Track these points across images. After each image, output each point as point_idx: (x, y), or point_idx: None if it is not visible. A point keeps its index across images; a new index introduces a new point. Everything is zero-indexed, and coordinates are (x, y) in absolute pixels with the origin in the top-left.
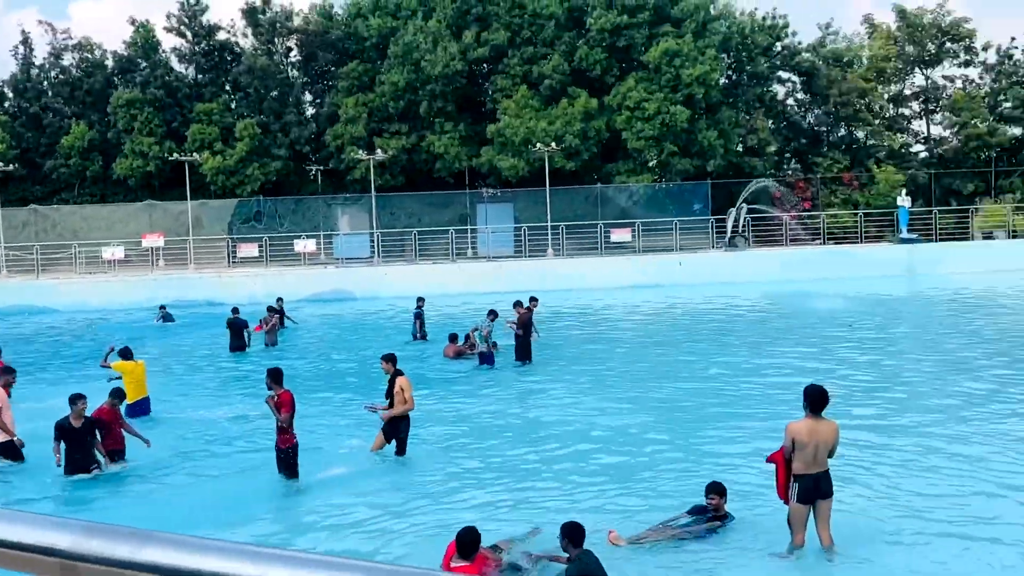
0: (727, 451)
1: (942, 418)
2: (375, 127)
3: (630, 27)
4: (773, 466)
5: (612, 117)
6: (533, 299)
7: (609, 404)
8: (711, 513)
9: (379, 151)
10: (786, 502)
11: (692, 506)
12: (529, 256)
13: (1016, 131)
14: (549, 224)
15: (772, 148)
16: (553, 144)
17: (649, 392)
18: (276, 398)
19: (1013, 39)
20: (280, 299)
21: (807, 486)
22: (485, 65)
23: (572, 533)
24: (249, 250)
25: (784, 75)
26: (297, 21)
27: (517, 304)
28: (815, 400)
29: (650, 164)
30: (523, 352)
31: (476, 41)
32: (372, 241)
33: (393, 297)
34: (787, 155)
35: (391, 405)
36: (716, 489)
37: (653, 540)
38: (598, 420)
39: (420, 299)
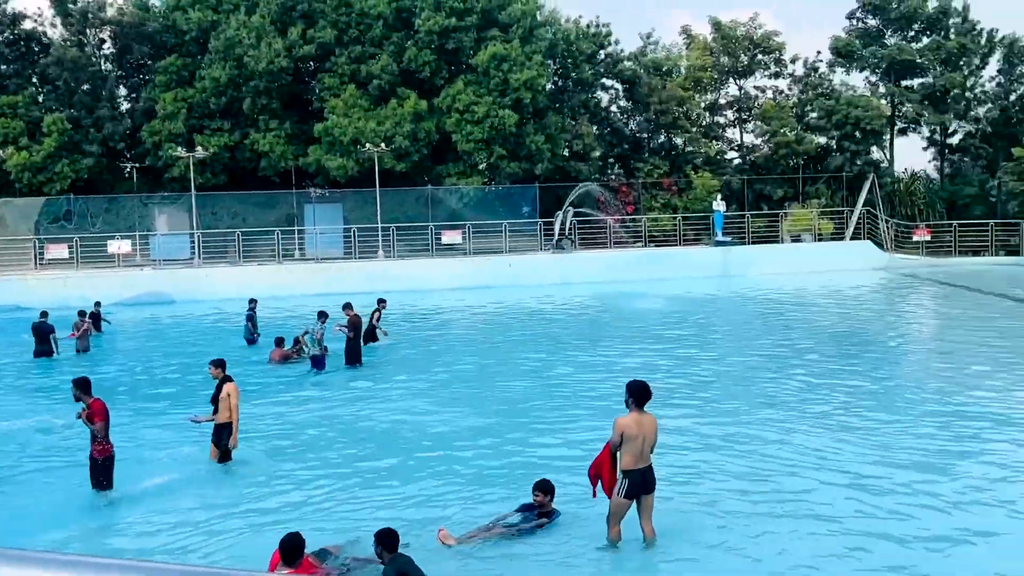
0: (557, 449)
1: (757, 409)
2: (195, 124)
3: (458, 30)
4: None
5: (442, 119)
6: (381, 300)
7: (441, 405)
8: (538, 510)
9: (199, 149)
10: (610, 497)
11: (521, 504)
12: (359, 257)
13: (821, 140)
14: (379, 225)
15: (597, 153)
16: (383, 145)
17: (481, 392)
18: (87, 408)
19: (819, 53)
20: (98, 303)
21: (635, 481)
22: (312, 63)
23: (385, 539)
24: (58, 251)
25: (608, 82)
26: (111, 12)
27: (347, 306)
28: (639, 394)
29: (480, 167)
30: (353, 356)
31: (302, 38)
32: (192, 242)
33: (216, 300)
34: (611, 160)
35: (215, 412)
36: (542, 487)
37: (482, 538)
38: (430, 422)
39: (252, 301)
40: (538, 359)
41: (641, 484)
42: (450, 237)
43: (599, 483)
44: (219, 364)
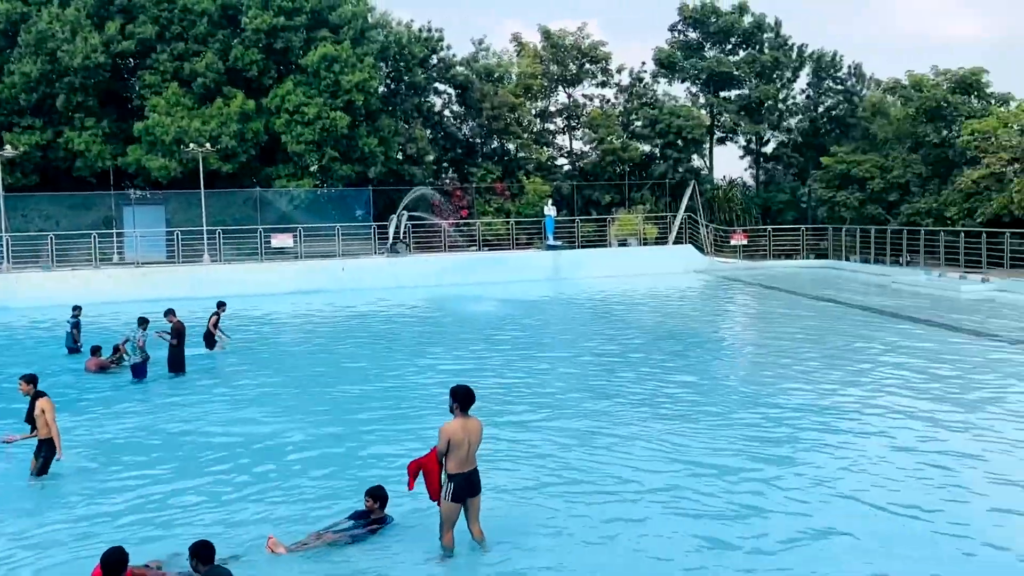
0: (390, 454)
1: (589, 406)
2: (3, 121)
3: (287, 29)
4: (419, 470)
5: (271, 120)
6: (221, 304)
7: (270, 412)
8: (370, 516)
9: (8, 147)
10: (439, 503)
11: (353, 511)
12: (183, 261)
13: (646, 148)
14: (205, 228)
15: (430, 157)
16: (208, 145)
17: (314, 399)
18: None
19: (643, 63)
20: None
21: (461, 484)
22: (131, 59)
23: (200, 552)
24: None
25: (441, 87)
26: None
27: (169, 312)
28: (464, 399)
29: (311, 169)
30: (177, 364)
31: (121, 33)
32: (1, 246)
33: (27, 308)
34: (445, 164)
35: (34, 429)
36: (373, 493)
37: (314, 546)
38: (258, 429)
39: (76, 307)
40: (372, 363)
41: (467, 487)
42: (280, 240)
43: (418, 479)
44: (30, 379)
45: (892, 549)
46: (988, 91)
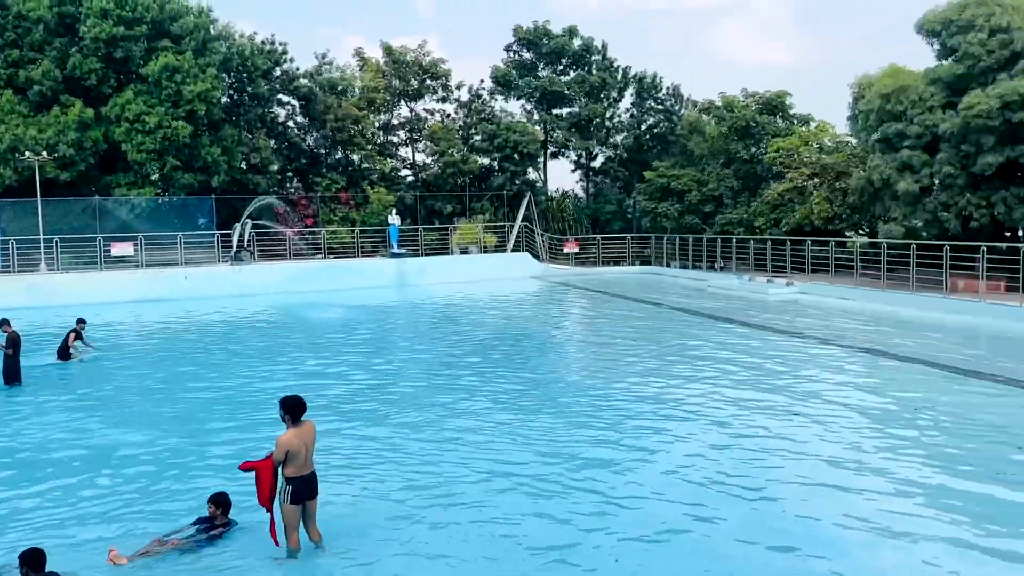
0: (234, 460)
1: (433, 408)
2: None
3: (127, 39)
4: (253, 472)
5: (110, 128)
6: (80, 320)
7: (111, 422)
8: (214, 522)
9: None
10: (268, 510)
11: (197, 518)
12: (18, 271)
13: (485, 161)
14: (42, 237)
15: (275, 167)
16: (44, 153)
17: (156, 407)
18: None
19: (481, 81)
20: None
21: (300, 487)
22: None
23: (31, 560)
24: None
25: (285, 98)
26: None
27: (3, 323)
28: (294, 409)
29: (152, 177)
30: (12, 374)
31: None
32: None
33: None
34: (289, 174)
35: None
36: (216, 500)
37: (156, 553)
38: (98, 439)
39: None
40: (215, 371)
41: (306, 490)
42: (120, 249)
43: (252, 473)
44: None
45: (718, 526)
46: (791, 112)
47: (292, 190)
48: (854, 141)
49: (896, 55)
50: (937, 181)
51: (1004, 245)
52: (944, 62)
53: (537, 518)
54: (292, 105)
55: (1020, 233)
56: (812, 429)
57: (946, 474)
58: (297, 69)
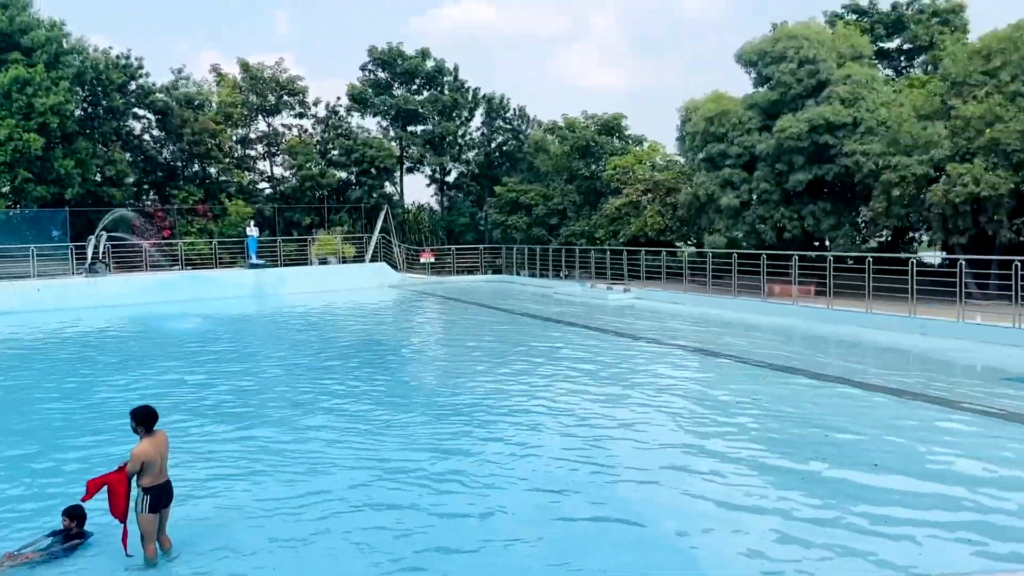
0: (88, 472)
1: (288, 415)
2: None
3: None
4: (103, 486)
5: None
6: None
7: None
8: (69, 533)
9: None
10: (122, 521)
11: (51, 530)
12: None
13: (343, 174)
14: None
15: (131, 179)
16: None
17: (7, 420)
18: None
19: (338, 98)
20: None
21: (157, 496)
22: None
23: None
24: None
25: (141, 112)
26: None
27: None
28: (146, 419)
29: (3, 190)
30: None
31: None
32: None
33: None
34: (146, 186)
35: None
36: (69, 512)
37: (9, 566)
38: None
39: None
40: (69, 382)
41: (163, 498)
42: None
43: (98, 492)
44: None
45: (571, 503)
46: (627, 133)
47: (149, 202)
48: (682, 160)
49: (719, 82)
50: (755, 196)
51: (813, 254)
52: (760, 89)
53: (402, 511)
54: (148, 119)
55: (827, 243)
56: (654, 419)
57: (772, 455)
58: (153, 83)
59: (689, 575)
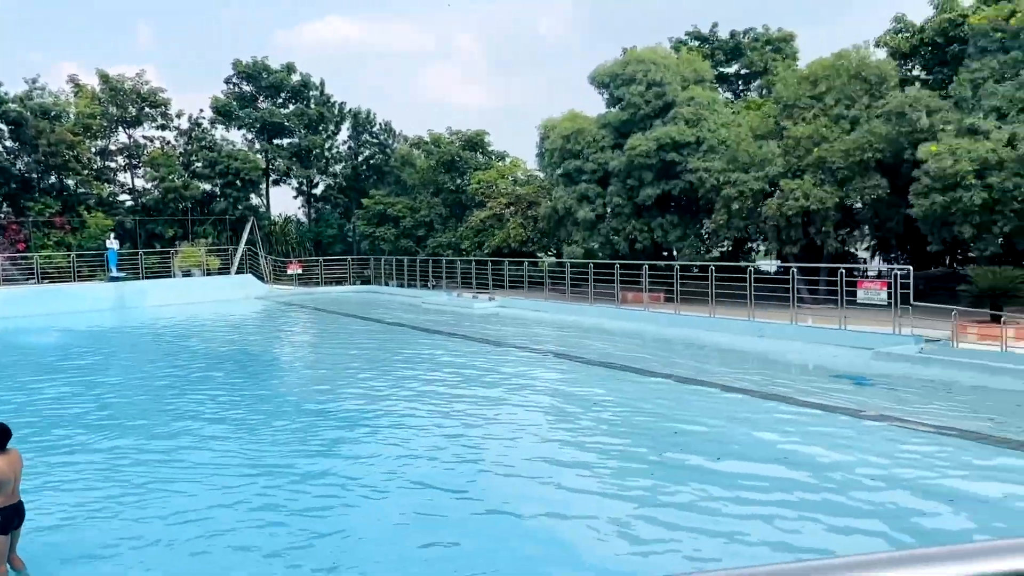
0: None
1: (150, 429)
2: None
3: None
4: None
5: None
6: None
7: None
8: None
9: None
10: None
11: None
12: None
13: (207, 186)
14: None
15: None
16: None
17: None
18: None
19: (202, 110)
20: None
21: (9, 516)
22: None
23: None
24: None
25: None
26: None
27: None
28: (1, 436)
29: None
30: None
31: None
32: None
33: None
34: None
35: None
36: None
37: None
38: None
39: None
40: None
41: (15, 518)
42: None
43: None
44: None
45: (443, 499)
46: (490, 149)
47: (2, 215)
48: (542, 175)
49: (575, 101)
50: (609, 210)
51: (662, 263)
52: (612, 109)
53: (261, 528)
54: (1, 129)
55: (674, 253)
56: (520, 418)
57: (629, 446)
58: (6, 93)
59: (562, 557)
